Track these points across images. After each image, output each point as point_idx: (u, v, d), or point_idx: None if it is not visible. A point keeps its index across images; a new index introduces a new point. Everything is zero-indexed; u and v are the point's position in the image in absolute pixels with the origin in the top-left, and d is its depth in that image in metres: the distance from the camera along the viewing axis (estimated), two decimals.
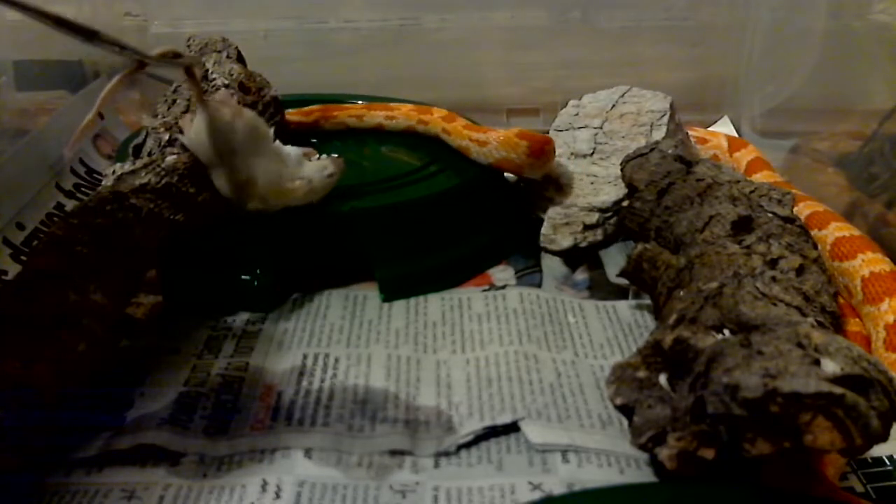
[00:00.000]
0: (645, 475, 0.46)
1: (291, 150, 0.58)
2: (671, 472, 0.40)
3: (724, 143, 0.88)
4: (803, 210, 0.68)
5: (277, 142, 0.57)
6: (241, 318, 0.62)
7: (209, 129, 0.53)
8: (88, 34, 0.40)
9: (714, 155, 0.87)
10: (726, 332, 0.43)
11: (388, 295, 0.64)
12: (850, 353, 0.37)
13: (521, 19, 1.03)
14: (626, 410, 0.43)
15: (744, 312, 0.44)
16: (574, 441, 0.48)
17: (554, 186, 0.75)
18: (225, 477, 0.46)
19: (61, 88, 0.92)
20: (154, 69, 0.49)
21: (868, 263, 0.61)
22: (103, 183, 0.58)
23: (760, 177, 0.80)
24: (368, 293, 0.65)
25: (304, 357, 0.57)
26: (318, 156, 0.60)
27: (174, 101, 0.65)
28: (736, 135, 0.97)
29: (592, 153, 0.76)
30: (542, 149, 0.71)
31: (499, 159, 0.72)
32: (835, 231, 0.65)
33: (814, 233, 0.64)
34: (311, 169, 0.58)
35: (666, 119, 0.77)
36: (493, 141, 0.71)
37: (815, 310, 0.47)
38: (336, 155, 0.60)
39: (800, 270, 0.51)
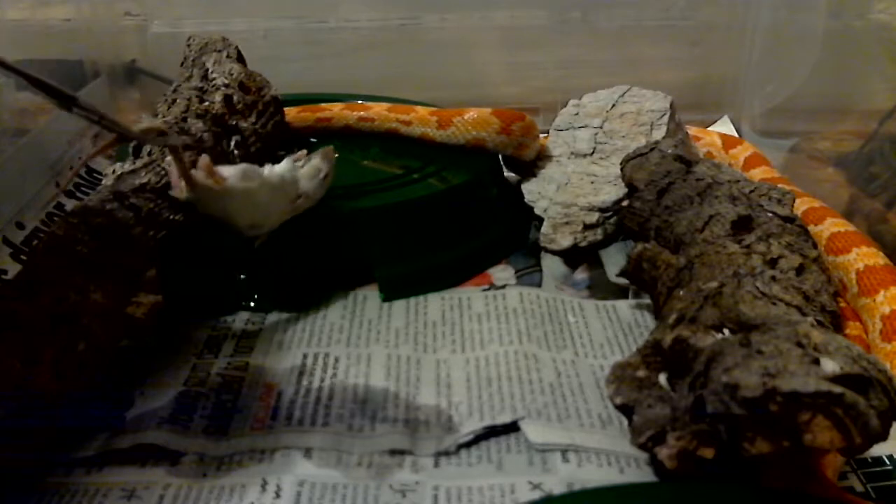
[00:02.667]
0: (645, 475, 0.46)
1: (284, 168, 0.55)
2: (671, 471, 0.40)
3: (718, 141, 0.88)
4: (800, 206, 0.68)
5: (268, 166, 0.53)
6: (241, 317, 0.62)
7: (201, 202, 0.50)
8: (67, 100, 0.38)
9: (709, 152, 0.87)
10: (726, 331, 0.43)
11: (388, 294, 0.64)
12: (849, 352, 0.38)
13: (521, 19, 1.03)
14: (626, 410, 0.43)
15: (743, 312, 0.44)
16: (574, 441, 0.48)
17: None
18: (225, 476, 0.46)
19: None
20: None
21: (863, 257, 0.62)
22: (103, 182, 0.58)
23: (758, 172, 0.80)
24: (368, 293, 0.65)
25: (304, 357, 0.57)
26: (307, 156, 0.58)
27: (174, 101, 0.65)
28: (736, 134, 0.97)
29: (592, 153, 0.76)
30: (511, 123, 0.73)
31: (469, 140, 0.73)
32: (831, 227, 0.66)
33: (810, 228, 0.65)
34: (307, 179, 0.56)
35: (666, 119, 0.77)
36: (457, 123, 0.74)
37: (814, 309, 0.47)
38: (324, 148, 0.58)
39: (799, 270, 0.51)
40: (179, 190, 0.50)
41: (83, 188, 0.80)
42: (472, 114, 0.74)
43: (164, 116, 0.63)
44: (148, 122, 0.47)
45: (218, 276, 0.64)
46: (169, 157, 0.57)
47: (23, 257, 0.66)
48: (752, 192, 0.59)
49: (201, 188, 0.49)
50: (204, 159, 0.50)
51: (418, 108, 0.78)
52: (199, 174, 0.50)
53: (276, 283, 0.64)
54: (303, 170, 0.57)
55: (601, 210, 0.72)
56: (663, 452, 0.40)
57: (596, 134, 0.78)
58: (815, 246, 0.55)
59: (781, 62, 0.98)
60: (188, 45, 0.77)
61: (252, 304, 0.63)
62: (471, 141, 0.75)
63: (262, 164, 0.53)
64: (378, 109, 0.79)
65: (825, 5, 0.91)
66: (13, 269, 0.64)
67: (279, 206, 0.54)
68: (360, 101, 0.83)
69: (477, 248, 0.70)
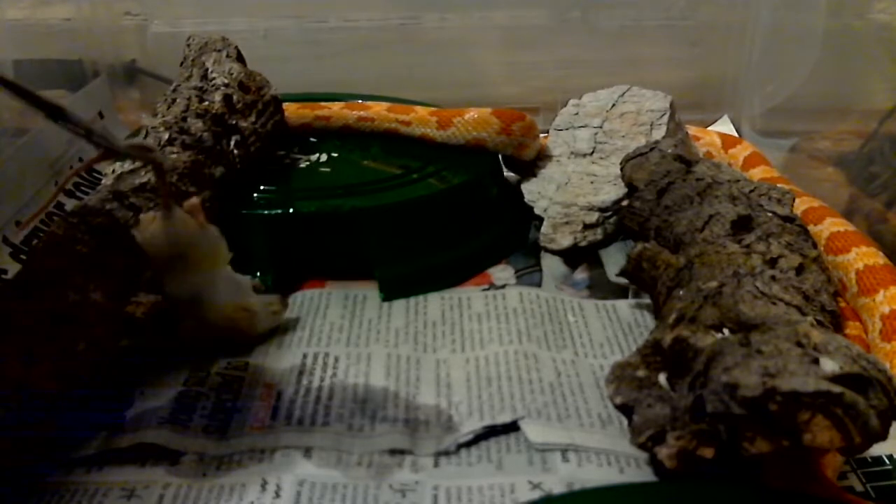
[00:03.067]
0: (644, 474, 0.46)
1: (242, 279, 0.56)
2: (671, 471, 0.40)
3: (718, 141, 0.88)
4: (800, 206, 0.68)
5: (229, 268, 0.55)
6: None
7: (169, 233, 0.50)
8: (53, 112, 0.38)
9: (708, 152, 0.87)
10: (726, 331, 0.44)
11: (388, 294, 0.64)
12: (849, 351, 0.38)
13: (520, 19, 1.03)
14: (626, 409, 0.43)
15: (743, 311, 0.44)
16: (574, 440, 0.48)
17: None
18: (225, 476, 0.46)
19: (61, 88, 0.92)
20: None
21: (862, 257, 0.62)
22: (103, 182, 0.58)
23: (758, 172, 0.80)
24: (368, 292, 0.65)
25: (304, 356, 0.57)
26: (264, 289, 0.58)
27: (174, 101, 0.65)
28: (736, 134, 0.97)
29: (592, 152, 0.76)
30: (511, 124, 0.73)
31: (469, 140, 0.74)
32: (830, 226, 0.66)
33: (809, 228, 0.65)
34: (258, 301, 0.57)
35: (666, 118, 0.77)
36: (457, 123, 0.74)
37: (814, 309, 0.47)
38: (282, 296, 0.59)
39: (799, 269, 0.51)
40: (145, 223, 0.50)
41: (83, 188, 0.80)
42: (472, 114, 0.74)
43: (163, 116, 0.63)
44: (132, 142, 0.47)
45: None
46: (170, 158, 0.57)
47: (22, 257, 0.66)
48: (751, 191, 0.59)
49: (178, 220, 0.50)
50: (193, 200, 0.52)
51: (418, 108, 0.78)
52: (188, 204, 0.51)
53: (276, 282, 0.64)
54: (258, 294, 0.57)
55: (601, 210, 0.72)
56: (663, 452, 0.40)
57: (596, 134, 0.78)
58: (814, 245, 0.55)
59: (781, 62, 0.98)
60: (188, 45, 0.77)
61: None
62: (471, 141, 0.75)
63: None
64: (377, 109, 0.79)
65: (825, 5, 0.91)
66: (13, 268, 0.64)
67: (221, 295, 0.54)
68: (359, 101, 0.83)
69: (477, 247, 0.70)
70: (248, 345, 0.57)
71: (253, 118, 0.68)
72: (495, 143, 0.74)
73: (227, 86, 0.67)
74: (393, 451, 0.48)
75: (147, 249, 0.50)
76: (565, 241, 0.71)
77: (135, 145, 0.47)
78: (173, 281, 0.52)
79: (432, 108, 0.78)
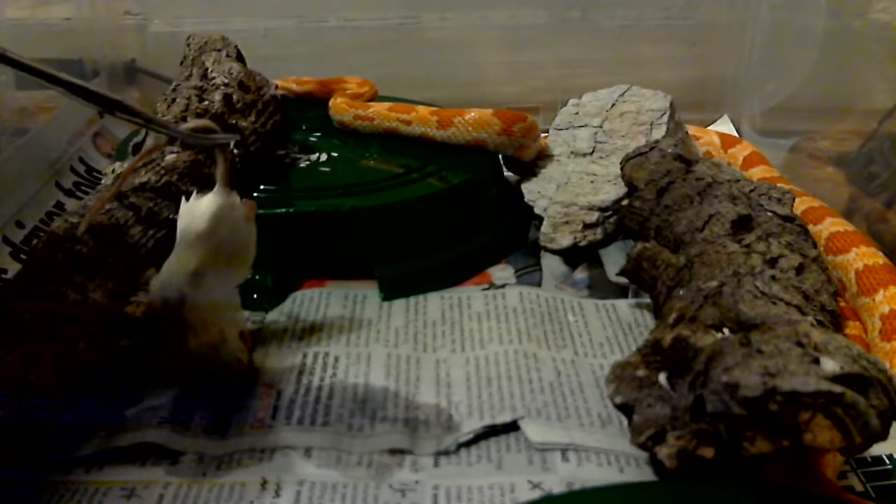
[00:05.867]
0: (644, 474, 0.46)
1: (241, 314, 0.53)
2: (671, 470, 0.40)
3: (717, 140, 0.88)
4: (799, 206, 0.68)
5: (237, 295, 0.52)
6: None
7: (217, 212, 0.47)
8: (111, 105, 0.38)
9: (707, 152, 0.87)
10: (726, 330, 0.44)
11: (388, 294, 0.64)
12: (849, 351, 0.38)
13: (520, 18, 1.03)
14: (626, 409, 0.43)
15: (743, 311, 0.44)
16: (574, 440, 0.48)
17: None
18: (224, 476, 0.46)
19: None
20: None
21: (862, 257, 0.62)
22: (103, 181, 0.58)
23: (758, 171, 0.80)
24: (368, 292, 0.65)
25: (304, 356, 0.57)
26: (249, 343, 0.54)
27: (174, 100, 0.65)
28: (736, 134, 0.97)
29: (592, 152, 0.76)
30: (512, 125, 0.73)
31: (470, 140, 0.74)
32: (830, 226, 0.66)
33: (809, 227, 0.65)
34: (234, 344, 0.51)
35: (666, 118, 0.77)
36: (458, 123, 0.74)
37: (814, 308, 0.47)
38: (250, 350, 0.54)
39: (799, 269, 0.51)
40: (196, 198, 0.48)
41: (83, 187, 0.80)
42: (472, 114, 0.74)
43: (163, 115, 0.63)
44: (193, 124, 0.45)
45: None
46: (170, 157, 0.57)
47: (22, 256, 0.66)
48: (752, 191, 0.59)
49: (233, 205, 0.48)
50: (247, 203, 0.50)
51: (419, 107, 0.78)
52: (247, 199, 0.49)
53: (276, 282, 0.64)
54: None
55: (601, 209, 0.72)
56: (663, 452, 0.40)
57: (596, 133, 0.78)
58: (814, 245, 0.55)
59: (781, 61, 0.98)
60: (188, 45, 0.77)
61: (252, 303, 0.63)
62: (471, 141, 0.75)
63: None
64: (378, 108, 0.79)
65: (825, 5, 0.91)
66: (13, 267, 0.64)
67: (230, 319, 0.51)
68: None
69: (477, 247, 0.70)
70: (220, 377, 0.52)
71: (253, 118, 0.68)
72: (496, 144, 0.74)
73: (226, 85, 0.67)
74: (393, 451, 0.48)
75: (183, 220, 0.48)
76: (565, 240, 0.71)
77: (197, 128, 0.45)
78: (192, 277, 0.48)
79: (433, 108, 0.78)
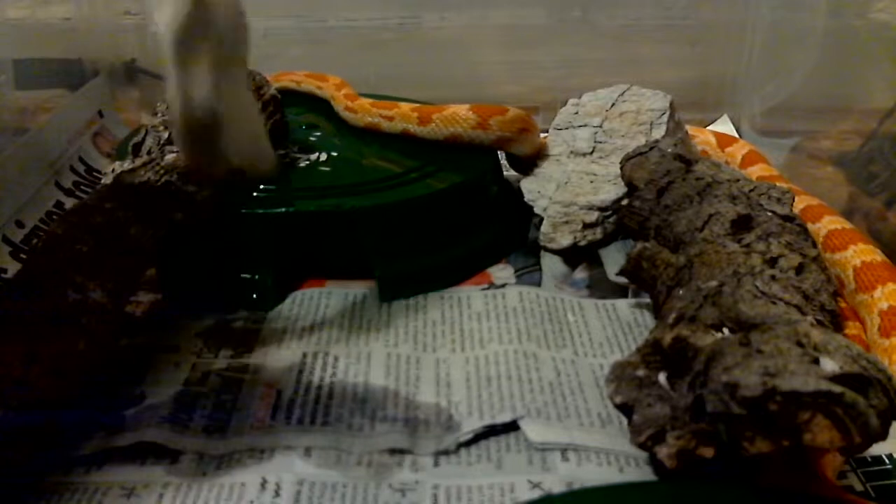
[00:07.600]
0: (644, 474, 0.46)
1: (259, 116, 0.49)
2: (670, 470, 0.40)
3: (713, 139, 0.88)
4: (797, 204, 0.68)
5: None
6: (241, 316, 0.62)
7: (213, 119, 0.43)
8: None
9: (703, 151, 0.87)
10: (725, 330, 0.44)
11: (388, 294, 0.64)
12: (849, 351, 0.38)
13: (520, 18, 1.03)
14: (626, 409, 0.43)
15: (743, 311, 0.44)
16: (573, 440, 0.48)
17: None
18: (224, 475, 0.46)
19: (61, 87, 0.92)
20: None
21: (860, 253, 0.62)
22: (102, 181, 0.58)
23: (756, 169, 0.80)
24: (368, 292, 0.65)
25: (304, 356, 0.57)
26: None
27: None
28: (736, 134, 0.97)
29: (592, 152, 0.76)
30: (488, 118, 0.74)
31: (447, 135, 0.75)
32: (828, 224, 0.66)
33: (808, 225, 0.65)
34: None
35: (666, 118, 0.77)
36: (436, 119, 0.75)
37: (814, 308, 0.47)
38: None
39: (799, 269, 0.51)
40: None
41: (83, 186, 0.80)
42: (449, 110, 0.75)
43: (163, 115, 0.63)
44: None
45: (218, 275, 0.64)
46: (170, 157, 0.57)
47: (22, 256, 0.66)
48: (751, 191, 0.59)
49: None
50: None
51: (401, 104, 0.79)
52: None
53: (276, 281, 0.64)
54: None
55: (601, 209, 0.72)
56: (663, 452, 0.40)
57: (595, 133, 0.78)
58: (814, 245, 0.55)
59: (781, 61, 0.98)
60: None
61: (252, 303, 0.63)
62: (448, 136, 0.75)
63: None
64: (361, 102, 0.80)
65: (825, 4, 0.91)
66: (13, 267, 0.64)
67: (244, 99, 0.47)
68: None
69: (476, 247, 0.70)
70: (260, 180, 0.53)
71: None
72: (470, 137, 0.75)
73: None
74: (393, 451, 0.48)
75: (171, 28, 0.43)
76: (565, 240, 0.71)
77: None
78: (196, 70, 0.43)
79: (415, 104, 0.78)
